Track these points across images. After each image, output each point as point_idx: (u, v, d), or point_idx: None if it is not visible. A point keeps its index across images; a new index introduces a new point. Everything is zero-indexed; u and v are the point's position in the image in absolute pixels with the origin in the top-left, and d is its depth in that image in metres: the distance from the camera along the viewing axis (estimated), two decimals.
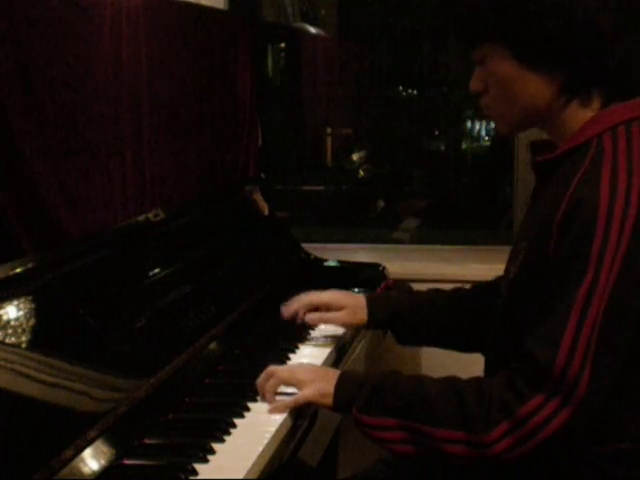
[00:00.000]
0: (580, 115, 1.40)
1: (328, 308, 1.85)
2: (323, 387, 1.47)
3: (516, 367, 1.32)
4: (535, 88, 1.40)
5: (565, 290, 1.27)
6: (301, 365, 1.64)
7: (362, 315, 1.82)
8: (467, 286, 1.84)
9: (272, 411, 1.49)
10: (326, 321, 1.87)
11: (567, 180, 1.33)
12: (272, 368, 1.55)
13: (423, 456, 1.39)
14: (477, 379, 1.39)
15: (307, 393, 1.48)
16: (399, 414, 1.38)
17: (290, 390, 1.52)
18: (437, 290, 1.85)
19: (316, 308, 1.86)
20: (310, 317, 1.85)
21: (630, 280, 1.26)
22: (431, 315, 1.78)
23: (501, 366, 1.37)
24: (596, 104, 1.40)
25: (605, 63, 1.39)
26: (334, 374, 1.49)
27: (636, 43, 1.44)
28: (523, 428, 1.28)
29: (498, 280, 1.72)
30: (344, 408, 1.45)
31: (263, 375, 1.54)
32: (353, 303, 1.83)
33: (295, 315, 1.87)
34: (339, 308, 1.83)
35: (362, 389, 1.43)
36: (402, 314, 1.80)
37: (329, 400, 1.46)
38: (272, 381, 1.52)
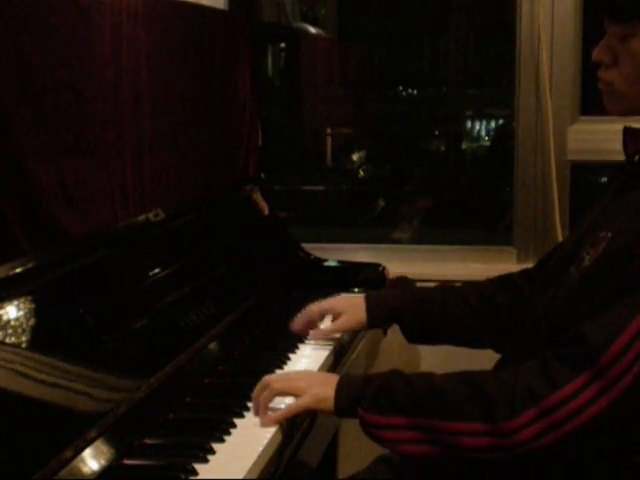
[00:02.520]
0: None
1: (327, 314, 1.85)
2: (322, 392, 1.41)
3: (552, 353, 1.27)
4: None
5: (637, 293, 1.24)
6: (297, 372, 1.61)
7: (361, 316, 1.79)
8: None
9: (266, 423, 1.43)
10: (329, 335, 1.86)
11: None
12: (267, 378, 1.48)
13: (438, 457, 1.32)
14: (493, 371, 1.35)
15: (304, 400, 1.42)
16: (410, 411, 1.32)
17: (288, 400, 1.48)
18: (444, 285, 1.83)
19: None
20: (313, 334, 1.84)
21: None
22: (435, 310, 1.75)
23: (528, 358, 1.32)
24: None
25: None
26: (333, 378, 1.44)
27: None
28: (553, 415, 1.22)
29: (512, 276, 1.72)
30: (347, 410, 1.39)
31: (258, 386, 1.48)
32: (351, 306, 1.81)
33: (302, 329, 1.86)
34: (338, 314, 1.81)
35: (367, 388, 1.37)
36: (403, 311, 1.77)
37: (329, 404, 1.40)
38: (266, 393, 1.45)
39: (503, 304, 1.71)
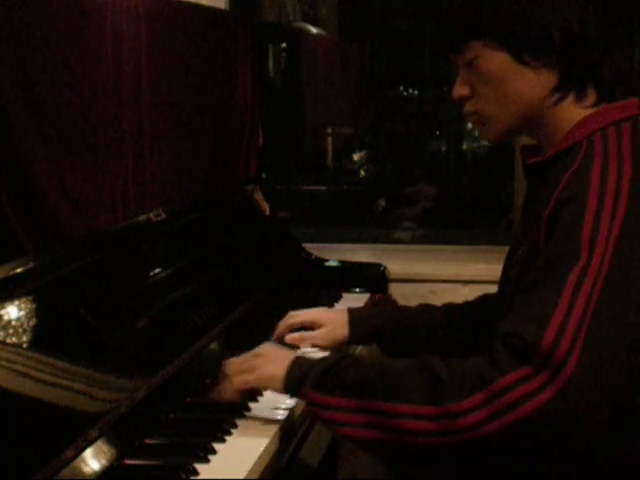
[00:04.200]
0: (572, 114, 1.38)
1: (311, 327, 1.82)
2: (272, 370, 1.41)
3: (497, 344, 1.23)
4: (529, 85, 1.37)
5: (556, 276, 1.23)
6: (256, 350, 1.54)
7: (343, 331, 1.77)
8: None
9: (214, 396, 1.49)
10: (306, 340, 1.81)
11: (557, 181, 1.31)
12: (224, 369, 1.50)
13: (382, 442, 1.27)
14: (444, 357, 1.30)
15: (249, 378, 1.44)
16: (357, 393, 1.28)
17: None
18: (426, 305, 1.81)
19: (302, 328, 1.84)
20: (290, 337, 1.81)
21: (622, 265, 1.22)
22: (418, 330, 1.74)
23: None
24: (588, 103, 1.38)
25: (600, 61, 1.37)
26: (288, 357, 1.42)
27: (624, 46, 1.43)
28: (500, 400, 1.18)
29: (489, 296, 1.71)
30: (295, 389, 1.37)
31: (221, 380, 1.50)
32: (333, 320, 1.80)
33: (282, 338, 1.84)
34: (319, 326, 1.80)
35: (317, 367, 1.35)
36: (385, 329, 1.76)
37: (277, 383, 1.40)
38: (226, 384, 1.48)
39: (485, 323, 1.66)
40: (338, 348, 1.80)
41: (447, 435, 1.21)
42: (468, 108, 1.44)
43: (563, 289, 1.22)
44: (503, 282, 1.53)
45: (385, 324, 1.76)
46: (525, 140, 1.54)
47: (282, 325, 1.85)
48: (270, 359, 1.45)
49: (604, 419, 1.22)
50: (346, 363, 1.34)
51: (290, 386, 1.39)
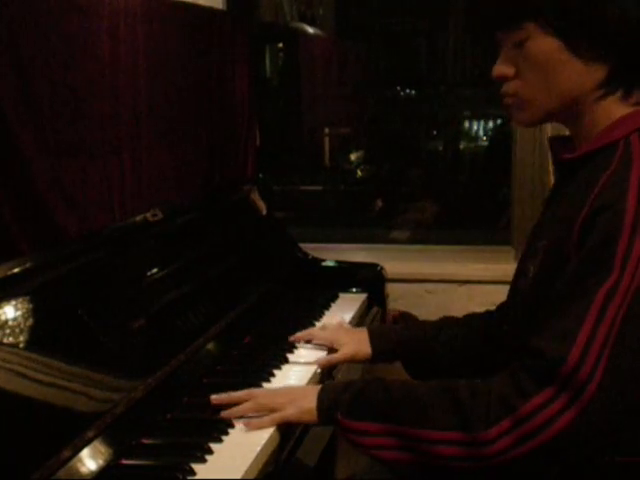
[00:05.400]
0: (613, 111, 1.34)
1: (331, 346, 1.82)
2: (304, 404, 1.42)
3: (520, 364, 1.26)
4: (577, 75, 1.33)
5: (585, 290, 1.22)
6: (281, 388, 1.59)
7: (366, 350, 1.76)
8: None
9: (247, 426, 1.43)
10: (333, 363, 1.80)
11: (592, 181, 1.28)
12: (253, 391, 1.50)
13: (414, 464, 1.31)
14: (471, 380, 1.33)
15: (288, 411, 1.42)
16: (387, 418, 1.32)
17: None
18: (447, 318, 1.79)
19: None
20: (318, 362, 1.78)
21: None
22: (440, 345, 1.72)
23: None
24: (631, 102, 1.34)
25: None
26: (313, 390, 1.43)
27: None
28: (525, 426, 1.21)
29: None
30: (329, 418, 1.39)
31: (242, 394, 1.49)
32: (355, 339, 1.78)
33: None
34: (340, 346, 1.79)
35: (345, 393, 1.38)
36: (407, 346, 1.74)
37: (312, 416, 1.41)
38: (248, 404, 1.46)
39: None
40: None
41: (476, 461, 1.25)
42: (507, 89, 1.40)
43: (591, 306, 1.21)
44: (517, 275, 1.50)
45: (406, 341, 1.75)
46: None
47: (306, 333, 1.86)
48: (299, 395, 1.45)
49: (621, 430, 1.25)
50: (374, 388, 1.36)
51: (322, 416, 1.40)
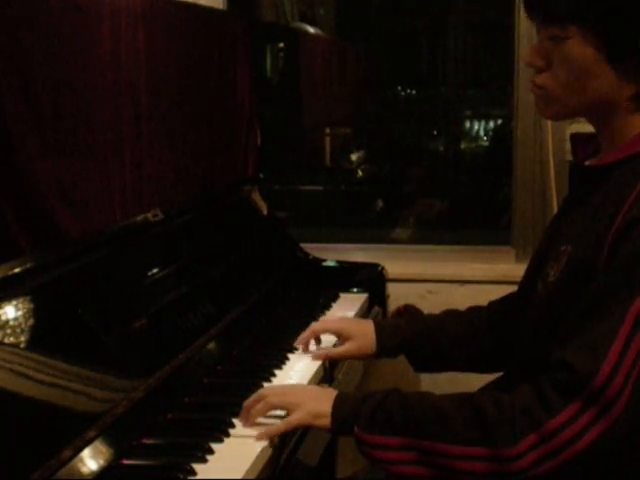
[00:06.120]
0: None
1: (337, 337, 1.81)
2: (317, 408, 1.38)
3: (546, 377, 1.23)
4: (609, 86, 1.32)
5: (617, 303, 1.21)
6: (292, 386, 1.58)
7: (370, 345, 1.74)
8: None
9: (260, 437, 1.39)
10: (332, 356, 1.80)
11: (622, 192, 1.27)
12: (262, 391, 1.47)
13: (435, 479, 1.28)
14: (493, 392, 1.31)
15: (299, 415, 1.38)
16: (407, 432, 1.29)
17: (279, 412, 1.46)
18: (450, 311, 1.78)
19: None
20: (317, 355, 1.79)
21: None
22: (444, 339, 1.70)
23: (527, 377, 1.28)
24: None
25: None
26: (329, 394, 1.40)
27: None
28: (552, 441, 1.19)
29: (512, 295, 1.65)
30: (344, 428, 1.36)
31: (253, 397, 1.45)
32: (361, 333, 1.75)
33: (306, 343, 1.83)
34: (347, 338, 1.76)
35: (364, 406, 1.34)
36: (412, 341, 1.72)
37: (325, 421, 1.37)
38: (260, 406, 1.42)
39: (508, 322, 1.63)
40: None
41: (499, 477, 1.23)
42: (537, 80, 1.39)
43: (623, 322, 1.20)
44: (531, 276, 1.48)
45: (411, 335, 1.73)
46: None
47: (308, 330, 1.83)
48: (312, 396, 1.42)
49: None
50: (392, 400, 1.33)
51: (337, 425, 1.37)
